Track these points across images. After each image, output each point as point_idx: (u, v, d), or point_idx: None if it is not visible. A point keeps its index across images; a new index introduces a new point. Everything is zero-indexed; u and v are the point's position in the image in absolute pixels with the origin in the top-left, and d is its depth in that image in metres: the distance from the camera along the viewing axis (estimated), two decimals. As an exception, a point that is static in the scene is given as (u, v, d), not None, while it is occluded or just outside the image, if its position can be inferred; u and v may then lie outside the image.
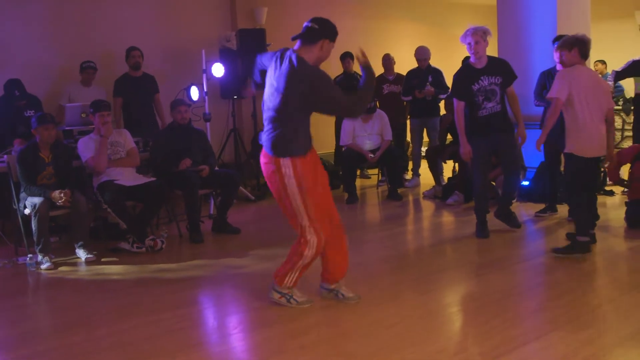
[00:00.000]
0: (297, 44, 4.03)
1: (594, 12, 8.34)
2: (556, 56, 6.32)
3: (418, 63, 8.63)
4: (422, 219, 7.41)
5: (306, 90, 3.89)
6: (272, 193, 4.19)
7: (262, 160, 4.13)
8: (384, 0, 11.60)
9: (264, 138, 4.08)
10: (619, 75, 7.14)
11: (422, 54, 8.58)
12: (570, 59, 5.25)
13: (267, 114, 4.05)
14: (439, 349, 3.55)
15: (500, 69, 5.79)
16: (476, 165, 5.97)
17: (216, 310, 4.61)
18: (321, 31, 3.99)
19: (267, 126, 4.06)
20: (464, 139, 5.82)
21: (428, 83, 8.42)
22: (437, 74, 8.60)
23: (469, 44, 5.66)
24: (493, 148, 5.88)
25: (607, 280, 4.87)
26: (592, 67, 10.46)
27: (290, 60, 3.91)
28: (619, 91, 11.03)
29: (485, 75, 5.72)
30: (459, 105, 5.82)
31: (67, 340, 3.95)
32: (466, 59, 9.44)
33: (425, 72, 8.56)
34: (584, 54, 5.25)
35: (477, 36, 5.62)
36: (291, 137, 3.99)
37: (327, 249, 4.24)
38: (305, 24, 4.04)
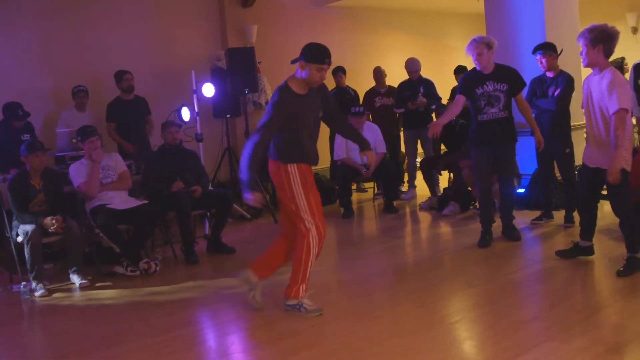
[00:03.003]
0: None
1: (584, 16, 8.34)
2: (540, 65, 6.32)
3: (409, 75, 8.64)
4: (419, 231, 7.38)
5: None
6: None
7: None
8: (373, 14, 11.63)
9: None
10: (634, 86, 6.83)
11: (412, 65, 8.59)
12: (593, 57, 4.67)
13: None
14: (431, 364, 3.52)
15: (508, 76, 5.80)
16: (478, 174, 5.99)
17: (210, 332, 4.58)
18: (301, 54, 4.25)
19: None
20: (443, 119, 5.82)
21: (420, 94, 8.43)
22: (429, 85, 8.61)
23: (472, 56, 5.71)
24: (494, 156, 5.88)
25: (602, 287, 4.84)
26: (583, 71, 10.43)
27: None
28: None
29: (491, 80, 5.75)
30: (459, 97, 5.84)
31: (59, 368, 3.94)
32: (459, 67, 9.53)
33: (416, 84, 8.57)
34: (609, 53, 4.69)
35: (480, 48, 5.65)
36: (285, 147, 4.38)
37: (280, 241, 4.53)
38: None
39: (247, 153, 4.23)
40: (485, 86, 5.76)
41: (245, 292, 4.57)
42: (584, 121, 7.78)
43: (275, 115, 4.23)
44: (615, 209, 4.99)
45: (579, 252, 5.25)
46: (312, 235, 4.29)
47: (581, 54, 4.75)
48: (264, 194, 7.66)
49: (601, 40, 4.63)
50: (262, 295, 4.59)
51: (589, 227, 5.21)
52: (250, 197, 4.24)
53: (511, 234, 6.05)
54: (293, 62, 4.32)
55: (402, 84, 8.72)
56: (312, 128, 4.45)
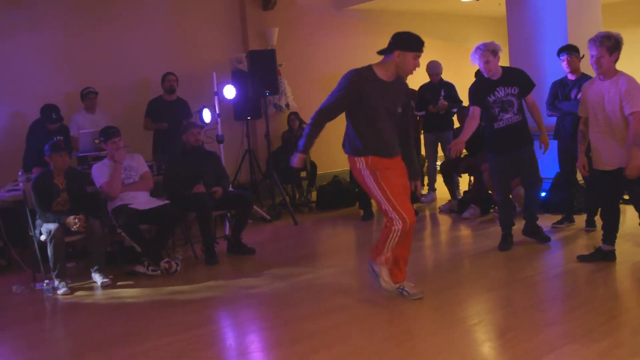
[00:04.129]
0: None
1: (606, 20, 8.28)
2: (564, 65, 6.30)
3: (430, 77, 8.62)
4: (439, 234, 7.36)
5: None
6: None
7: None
8: (393, 17, 11.63)
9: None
10: None
11: (433, 68, 8.57)
12: (609, 65, 4.84)
13: None
14: (450, 365, 3.52)
15: (516, 79, 5.74)
16: (496, 178, 5.97)
17: (229, 331, 4.61)
18: (395, 44, 4.37)
19: None
20: (463, 135, 5.76)
21: (441, 97, 8.41)
22: (450, 87, 8.58)
23: (479, 64, 5.67)
24: (513, 161, 5.84)
25: (625, 290, 4.80)
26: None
27: None
28: None
29: (501, 86, 5.69)
30: (474, 110, 5.81)
31: (81, 365, 3.99)
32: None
33: (437, 86, 8.55)
34: (618, 59, 4.90)
35: (486, 56, 5.60)
36: (356, 137, 4.45)
37: (396, 247, 4.49)
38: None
39: (306, 127, 4.41)
40: (496, 92, 5.69)
41: (406, 297, 4.61)
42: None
43: (342, 95, 4.34)
44: (638, 207, 5.01)
45: (601, 256, 5.21)
46: (394, 229, 4.38)
47: (593, 61, 4.86)
48: (307, 159, 7.69)
49: (616, 48, 4.80)
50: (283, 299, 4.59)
51: (611, 232, 5.18)
52: (294, 159, 4.38)
53: (539, 235, 5.99)
54: (384, 52, 4.41)
55: (423, 87, 8.70)
56: (387, 119, 4.45)
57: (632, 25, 11.78)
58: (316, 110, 4.38)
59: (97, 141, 6.58)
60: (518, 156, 5.82)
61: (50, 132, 6.95)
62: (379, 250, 4.53)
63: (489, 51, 5.59)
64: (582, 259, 5.29)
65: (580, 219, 6.56)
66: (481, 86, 5.80)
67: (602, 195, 5.19)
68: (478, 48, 5.64)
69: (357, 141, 4.43)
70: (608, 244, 5.19)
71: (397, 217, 4.36)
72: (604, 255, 5.20)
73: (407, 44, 4.36)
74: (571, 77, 6.36)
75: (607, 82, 4.89)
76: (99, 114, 7.76)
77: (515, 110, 5.72)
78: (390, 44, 4.38)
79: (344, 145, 4.55)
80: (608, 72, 4.87)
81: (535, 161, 5.95)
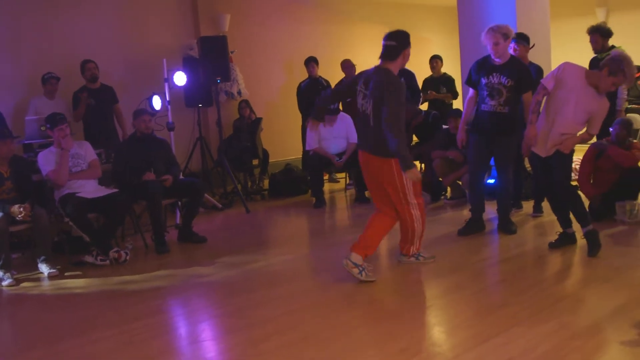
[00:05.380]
0: (380, 62, 4.74)
1: (554, 10, 8.43)
2: (511, 49, 6.38)
3: None
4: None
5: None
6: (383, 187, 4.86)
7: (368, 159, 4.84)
8: (345, 4, 11.64)
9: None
10: None
11: None
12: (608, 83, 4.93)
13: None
14: (400, 350, 3.55)
15: (517, 73, 5.63)
16: (470, 156, 6.10)
17: (180, 319, 4.57)
18: (403, 43, 4.72)
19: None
20: (462, 123, 6.01)
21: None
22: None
23: (488, 45, 5.62)
24: (489, 144, 5.86)
25: (569, 274, 4.93)
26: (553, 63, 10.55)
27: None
28: None
29: (498, 73, 5.64)
30: (471, 92, 5.92)
31: (29, 356, 3.91)
32: (434, 56, 9.57)
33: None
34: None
35: (496, 37, 5.53)
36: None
37: (379, 218, 5.00)
38: (383, 42, 4.72)
39: (395, 145, 4.51)
40: (491, 77, 5.65)
41: (356, 276, 4.74)
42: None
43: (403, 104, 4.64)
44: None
45: (569, 240, 5.34)
46: (416, 218, 4.91)
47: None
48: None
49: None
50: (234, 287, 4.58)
51: (566, 215, 5.33)
52: (406, 174, 4.60)
53: (506, 227, 6.04)
54: (390, 58, 4.72)
55: None
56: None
57: (580, 16, 12.04)
58: (392, 124, 4.52)
59: (43, 128, 6.41)
60: (493, 145, 5.84)
61: None
62: (410, 241, 5.09)
63: (500, 33, 5.51)
64: (552, 246, 5.35)
65: (528, 205, 6.70)
66: (482, 65, 5.78)
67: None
68: (490, 29, 5.56)
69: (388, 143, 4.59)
70: (568, 227, 5.34)
71: (416, 204, 4.87)
72: (571, 238, 5.35)
73: (408, 40, 4.72)
74: (519, 64, 6.45)
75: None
76: (57, 100, 7.57)
77: (501, 100, 5.65)
78: (395, 48, 4.68)
79: (376, 151, 4.72)
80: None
81: (509, 153, 5.89)
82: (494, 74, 5.67)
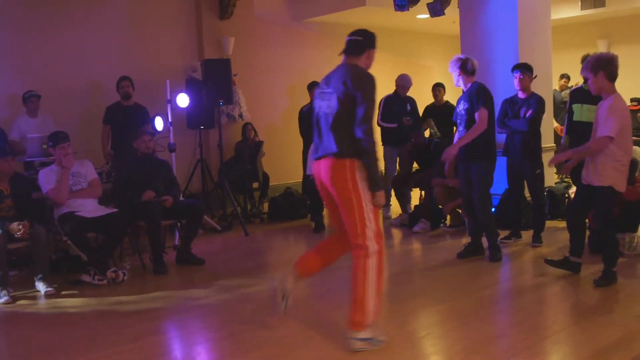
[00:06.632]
0: (343, 58, 4.23)
1: (556, 42, 8.50)
2: (516, 83, 6.46)
3: (398, 89, 8.54)
4: (389, 247, 7.35)
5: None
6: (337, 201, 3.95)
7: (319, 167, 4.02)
8: (349, 30, 11.64)
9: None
10: None
11: (404, 81, 8.51)
12: (597, 84, 4.94)
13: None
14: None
15: (470, 95, 5.82)
16: (460, 187, 6.27)
17: (176, 342, 4.54)
18: (367, 42, 4.27)
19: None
20: (459, 143, 5.90)
21: (407, 111, 8.46)
22: (413, 103, 8.61)
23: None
24: (469, 174, 6.00)
25: (568, 305, 4.90)
26: (556, 82, 10.60)
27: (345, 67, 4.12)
28: None
29: (462, 100, 5.92)
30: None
31: (20, 376, 3.87)
32: (437, 84, 9.62)
33: (403, 100, 8.54)
34: (612, 76, 4.93)
35: (452, 68, 5.86)
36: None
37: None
38: (346, 39, 4.29)
39: (368, 144, 3.82)
40: (458, 105, 5.94)
41: (277, 297, 4.07)
42: (553, 144, 7.95)
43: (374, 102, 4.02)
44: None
45: (568, 266, 5.35)
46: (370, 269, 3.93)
47: (588, 84, 5.07)
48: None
49: (599, 66, 4.90)
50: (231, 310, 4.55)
51: (579, 244, 5.34)
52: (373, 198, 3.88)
53: (491, 255, 6.05)
54: (355, 53, 4.20)
55: (388, 98, 8.58)
56: None
57: (582, 47, 12.11)
58: (366, 127, 3.84)
59: (45, 146, 6.43)
60: (470, 170, 5.97)
61: None
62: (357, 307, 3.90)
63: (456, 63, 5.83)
64: (549, 262, 5.42)
65: (527, 235, 6.69)
66: (459, 98, 6.00)
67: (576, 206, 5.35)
68: (451, 60, 5.85)
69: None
70: (577, 255, 5.34)
71: (376, 248, 3.95)
72: (571, 266, 5.35)
73: (374, 41, 4.33)
74: (521, 95, 6.51)
75: (606, 101, 4.97)
76: (41, 118, 7.54)
77: (465, 125, 5.87)
78: (361, 43, 4.25)
79: (330, 148, 3.92)
80: (600, 90, 4.97)
81: (481, 179, 5.95)
82: (460, 102, 5.95)
